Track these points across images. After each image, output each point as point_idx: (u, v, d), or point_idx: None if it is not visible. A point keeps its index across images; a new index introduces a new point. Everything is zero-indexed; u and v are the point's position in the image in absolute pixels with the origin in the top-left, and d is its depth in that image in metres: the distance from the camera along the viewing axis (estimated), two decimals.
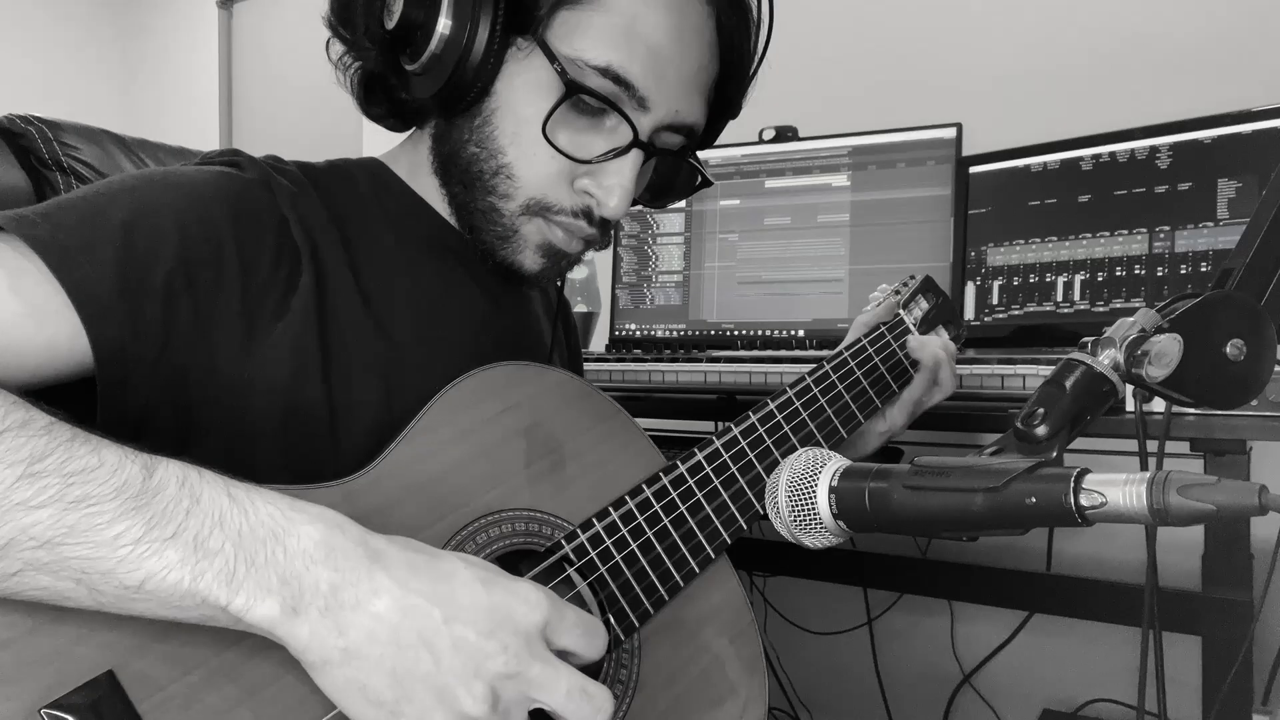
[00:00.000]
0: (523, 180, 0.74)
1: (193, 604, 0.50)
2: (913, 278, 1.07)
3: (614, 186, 0.74)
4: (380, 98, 0.80)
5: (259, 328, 0.66)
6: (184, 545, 0.50)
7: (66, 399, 0.59)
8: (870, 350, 0.97)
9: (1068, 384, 0.61)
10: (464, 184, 0.76)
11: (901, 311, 1.02)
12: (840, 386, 0.92)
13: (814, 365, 0.92)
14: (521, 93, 0.72)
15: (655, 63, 0.73)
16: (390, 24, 0.70)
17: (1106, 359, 0.61)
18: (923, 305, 1.05)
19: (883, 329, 0.99)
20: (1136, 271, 1.28)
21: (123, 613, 0.50)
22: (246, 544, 0.51)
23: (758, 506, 0.81)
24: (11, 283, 0.57)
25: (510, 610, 0.55)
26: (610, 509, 0.74)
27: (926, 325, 1.04)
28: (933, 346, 0.97)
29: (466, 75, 0.70)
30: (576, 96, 0.71)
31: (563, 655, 0.58)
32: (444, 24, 0.69)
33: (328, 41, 0.78)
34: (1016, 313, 1.40)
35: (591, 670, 0.70)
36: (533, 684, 0.55)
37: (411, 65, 0.72)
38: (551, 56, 0.71)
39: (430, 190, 0.81)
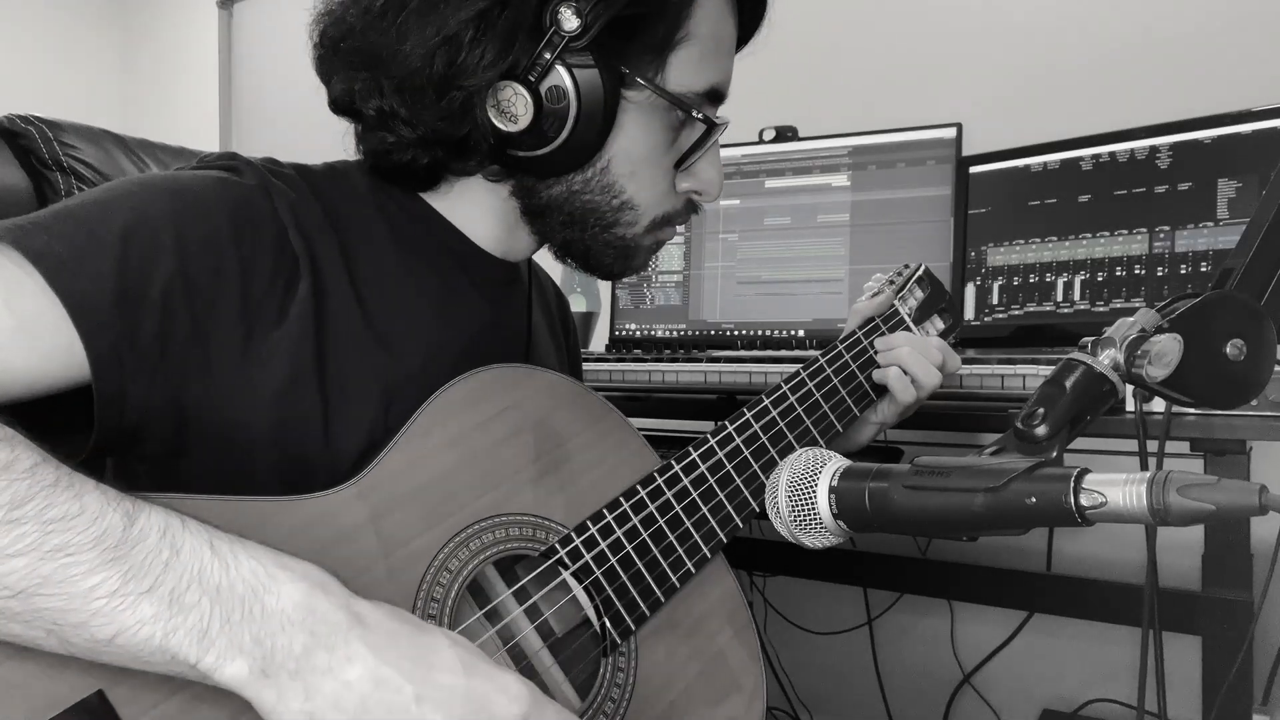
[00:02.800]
0: (644, 206, 0.78)
1: (163, 659, 0.49)
2: (907, 266, 1.07)
3: (713, 179, 0.80)
4: (418, 169, 0.77)
5: (256, 336, 0.65)
6: (159, 600, 0.49)
7: (63, 407, 0.59)
8: (865, 343, 0.97)
9: (1068, 384, 0.61)
10: (577, 226, 0.78)
11: (896, 302, 1.02)
12: (836, 380, 0.92)
13: (809, 360, 0.92)
14: (633, 136, 0.75)
15: (730, 58, 0.80)
16: (513, 127, 0.70)
17: (1106, 359, 0.61)
18: (918, 295, 1.04)
19: (877, 321, 0.99)
20: (1136, 271, 1.28)
21: (93, 660, 0.50)
22: (224, 600, 0.50)
23: (753, 505, 0.80)
24: (6, 295, 0.57)
25: (486, 700, 0.54)
26: (605, 511, 0.74)
27: (921, 315, 1.04)
28: (896, 350, 0.95)
29: (588, 150, 0.73)
30: (680, 118, 0.76)
31: None
32: (573, 111, 0.70)
33: (357, 132, 0.77)
34: (1016, 313, 1.39)
35: (588, 672, 0.70)
36: None
37: (522, 153, 0.73)
38: (677, 102, 0.74)
39: (441, 202, 0.80)
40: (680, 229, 1.69)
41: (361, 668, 0.51)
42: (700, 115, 0.75)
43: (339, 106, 0.76)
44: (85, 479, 0.51)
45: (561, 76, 0.70)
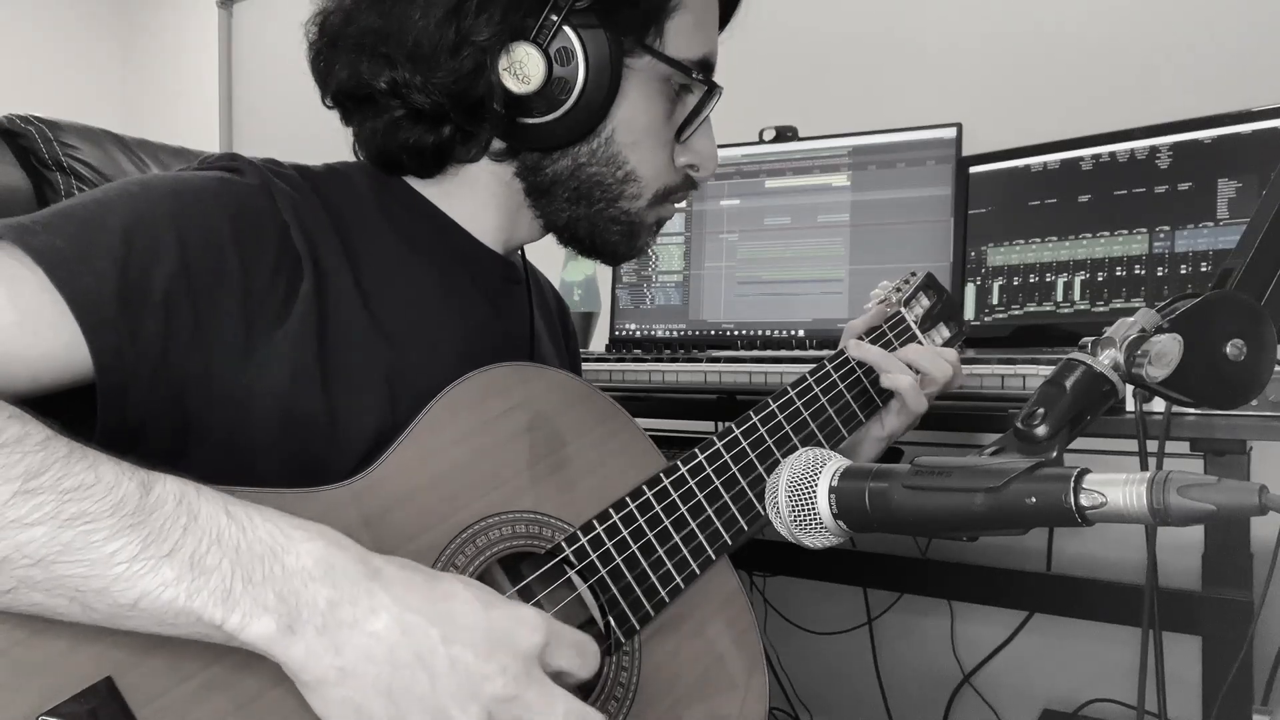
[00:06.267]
0: (647, 180, 0.80)
1: (186, 621, 0.50)
2: (914, 274, 1.07)
3: (710, 152, 0.82)
4: (423, 149, 0.77)
5: (258, 335, 0.65)
6: (180, 563, 0.50)
7: (66, 404, 0.59)
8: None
9: (1068, 384, 0.61)
10: (583, 202, 0.79)
11: (903, 310, 1.02)
12: (842, 385, 0.92)
13: (815, 364, 0.92)
14: (635, 104, 0.76)
15: (716, 30, 0.82)
16: (526, 88, 0.71)
17: (1106, 359, 0.61)
18: (924, 302, 1.05)
19: (884, 327, 0.99)
20: (1136, 271, 1.28)
21: (116, 628, 0.50)
22: (244, 561, 0.51)
23: (759, 507, 0.80)
24: (10, 292, 0.57)
25: (509, 632, 0.55)
26: (611, 511, 0.74)
27: (928, 323, 1.04)
28: (906, 359, 0.95)
29: (594, 115, 0.74)
30: (675, 90, 0.78)
31: (557, 675, 0.58)
32: (582, 73, 0.72)
33: (356, 128, 0.78)
34: (1016, 313, 1.40)
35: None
36: (529, 708, 0.55)
37: (533, 119, 0.74)
38: (678, 66, 0.76)
39: (444, 199, 0.81)
40: (680, 229, 1.70)
41: (387, 617, 0.53)
42: (700, 77, 0.77)
43: (344, 93, 0.77)
44: (98, 452, 0.51)
45: (569, 38, 0.72)
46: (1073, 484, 0.49)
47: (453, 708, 0.53)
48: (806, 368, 0.93)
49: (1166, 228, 1.26)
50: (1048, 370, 0.70)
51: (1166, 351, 0.59)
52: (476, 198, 0.81)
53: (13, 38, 3.11)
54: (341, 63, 0.75)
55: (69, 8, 3.26)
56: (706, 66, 0.80)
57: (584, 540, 0.72)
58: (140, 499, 0.50)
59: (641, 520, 0.75)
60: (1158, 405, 0.93)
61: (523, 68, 0.71)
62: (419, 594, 0.55)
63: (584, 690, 0.70)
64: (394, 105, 0.74)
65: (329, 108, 0.80)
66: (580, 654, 0.59)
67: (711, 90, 0.79)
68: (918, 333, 1.02)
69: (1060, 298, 1.35)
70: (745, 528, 0.80)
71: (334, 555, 0.53)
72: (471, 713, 0.53)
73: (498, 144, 0.78)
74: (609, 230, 0.81)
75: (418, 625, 0.53)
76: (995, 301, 1.42)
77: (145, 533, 0.49)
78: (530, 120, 0.74)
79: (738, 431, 0.83)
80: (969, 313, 1.44)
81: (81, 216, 0.62)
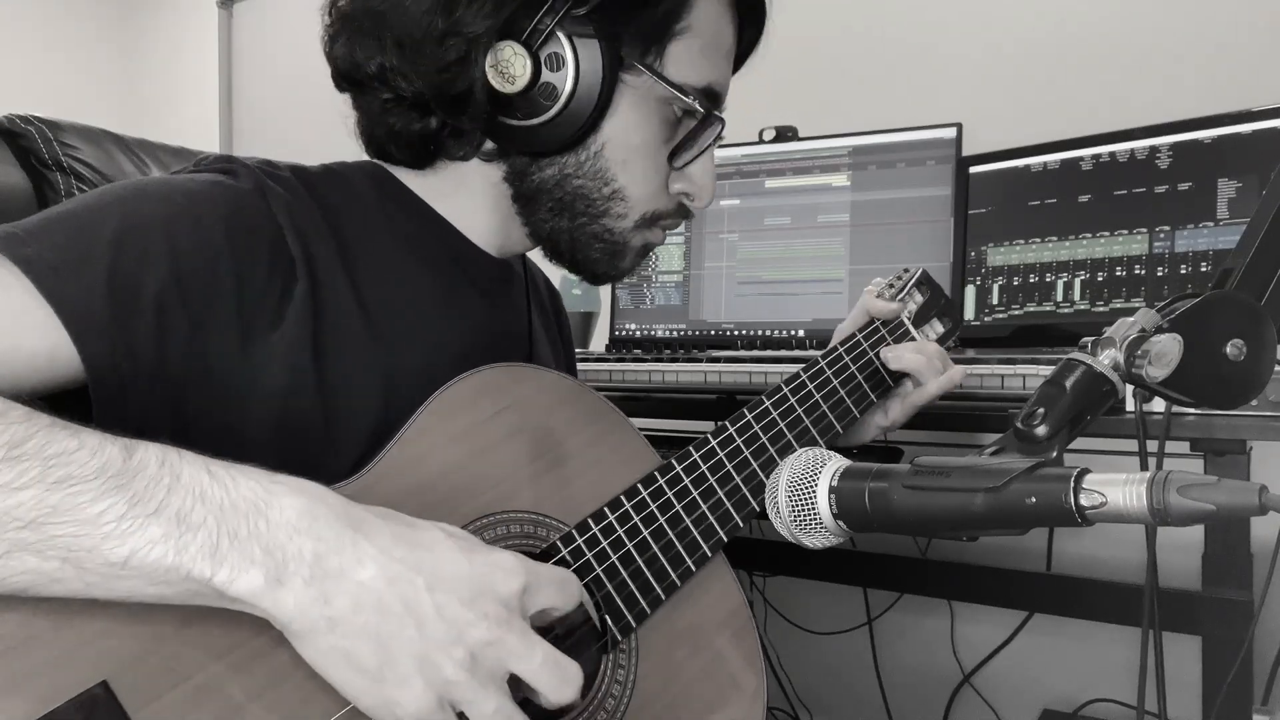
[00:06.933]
0: (635, 200, 0.78)
1: (178, 579, 0.50)
2: (907, 270, 1.07)
3: (706, 183, 0.81)
4: (412, 138, 0.77)
5: (254, 338, 0.65)
6: (167, 520, 0.50)
7: (67, 407, 0.59)
8: (865, 345, 0.97)
9: (1068, 384, 0.61)
10: (567, 214, 0.78)
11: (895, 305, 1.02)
12: (835, 382, 0.92)
13: (809, 361, 0.93)
14: (629, 121, 0.75)
15: (728, 64, 0.80)
16: (510, 89, 0.71)
17: (1106, 359, 0.61)
18: (917, 298, 1.05)
19: (877, 323, 0.99)
20: (1136, 271, 1.28)
21: (110, 594, 0.51)
22: (229, 518, 0.52)
23: (753, 504, 0.81)
24: None
25: (490, 578, 0.57)
26: (606, 510, 0.74)
27: (921, 318, 1.04)
28: (909, 354, 0.96)
29: (586, 124, 0.73)
30: (676, 114, 0.77)
31: (545, 614, 0.60)
32: (570, 81, 0.71)
33: (358, 114, 0.78)
34: (1016, 313, 1.39)
35: (589, 670, 0.70)
36: (511, 652, 0.56)
37: (518, 120, 0.73)
38: (676, 88, 0.74)
39: (439, 198, 0.81)
40: (680, 229, 1.70)
41: (374, 566, 0.54)
42: (696, 100, 0.76)
43: (341, 74, 0.77)
44: (79, 424, 0.52)
45: (561, 43, 0.71)
46: (1073, 484, 0.49)
47: (438, 653, 0.54)
48: None
49: (1166, 228, 1.26)
50: (1048, 370, 0.69)
51: (1166, 351, 0.59)
52: (471, 199, 0.81)
53: (13, 38, 3.11)
54: (340, 43, 0.75)
55: (69, 8, 3.26)
56: (711, 95, 0.78)
57: (579, 540, 0.72)
58: (124, 462, 0.51)
59: (637, 518, 0.75)
60: (1158, 405, 0.93)
61: (509, 67, 0.70)
62: (403, 543, 0.56)
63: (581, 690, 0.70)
64: (382, 90, 0.74)
65: (340, 90, 0.80)
66: (559, 588, 0.61)
67: (709, 120, 0.77)
68: (911, 329, 1.02)
69: (1060, 298, 1.35)
70: (741, 524, 0.80)
71: (316, 508, 0.54)
72: (456, 657, 0.54)
73: (489, 144, 0.77)
74: (590, 246, 0.80)
75: (403, 574, 0.54)
76: (995, 301, 1.42)
77: (130, 493, 0.50)
78: (514, 122, 0.73)
79: (732, 429, 0.83)
80: (969, 313, 1.44)
81: (71, 224, 0.62)
